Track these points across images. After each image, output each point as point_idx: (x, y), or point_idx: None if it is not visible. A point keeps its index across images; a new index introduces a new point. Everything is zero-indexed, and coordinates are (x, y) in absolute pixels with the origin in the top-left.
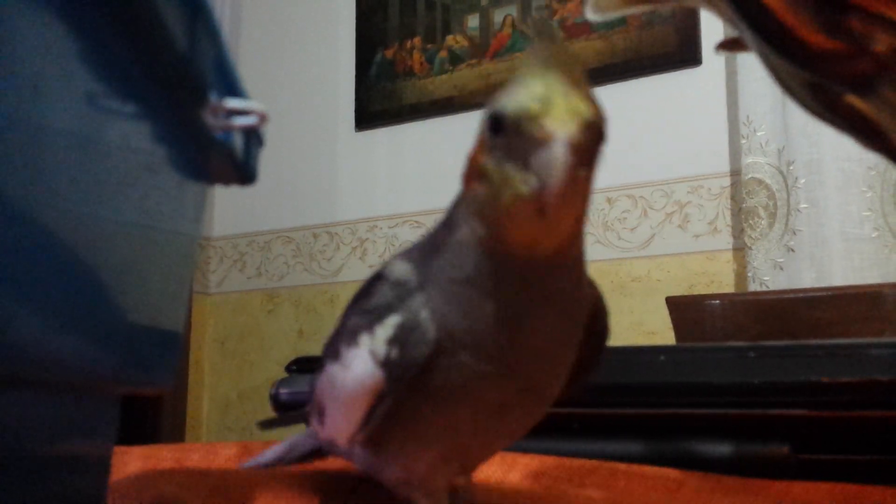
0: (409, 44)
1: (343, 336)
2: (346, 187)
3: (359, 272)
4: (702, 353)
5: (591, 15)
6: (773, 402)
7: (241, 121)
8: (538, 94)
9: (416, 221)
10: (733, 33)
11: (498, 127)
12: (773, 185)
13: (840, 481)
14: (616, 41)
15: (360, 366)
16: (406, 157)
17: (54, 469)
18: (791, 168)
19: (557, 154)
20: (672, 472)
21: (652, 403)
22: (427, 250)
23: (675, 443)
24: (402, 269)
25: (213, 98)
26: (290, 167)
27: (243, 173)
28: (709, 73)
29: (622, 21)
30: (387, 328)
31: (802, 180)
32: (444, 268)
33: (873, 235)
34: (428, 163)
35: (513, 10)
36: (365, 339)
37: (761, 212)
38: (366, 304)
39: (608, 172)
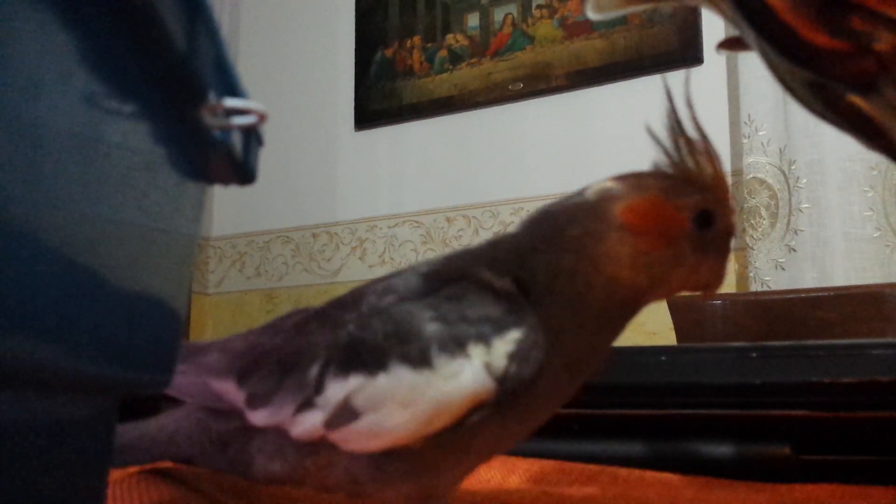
0: (408, 43)
1: (422, 340)
2: (346, 187)
3: (358, 272)
4: (703, 353)
5: (592, 14)
6: (774, 402)
7: (240, 120)
8: (730, 209)
9: (416, 221)
10: (734, 32)
11: (706, 223)
12: (774, 185)
13: (841, 482)
14: (617, 40)
15: (470, 376)
16: (406, 157)
17: (52, 470)
18: (793, 168)
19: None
20: (673, 478)
21: (653, 404)
22: (513, 263)
23: (675, 444)
24: (499, 281)
25: (212, 97)
26: (290, 167)
27: (242, 173)
28: (710, 72)
29: (623, 20)
30: (507, 343)
31: (804, 180)
32: (554, 289)
33: (875, 235)
34: (428, 162)
35: (513, 9)
36: (478, 351)
37: (763, 211)
38: (458, 310)
39: (609, 172)
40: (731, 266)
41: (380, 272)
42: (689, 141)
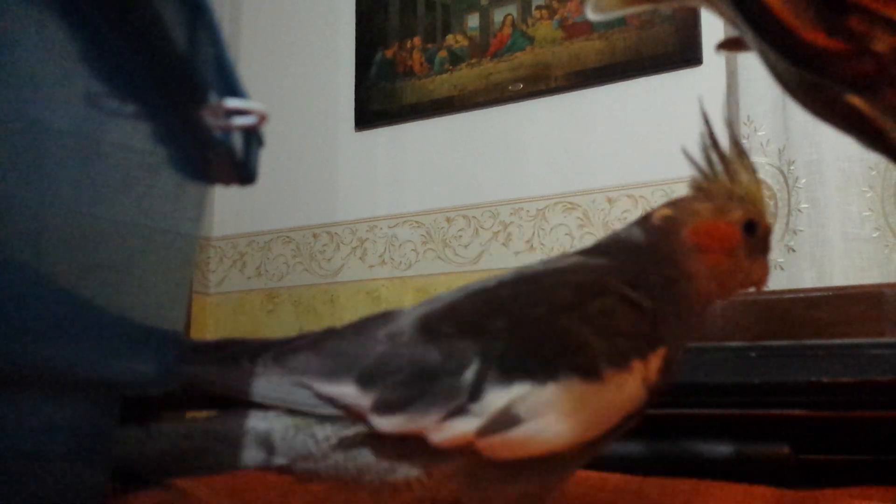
0: (409, 43)
1: (590, 352)
2: (346, 187)
3: (359, 272)
4: (702, 352)
5: (592, 14)
6: (773, 402)
7: (240, 121)
8: (766, 214)
9: (416, 221)
10: (734, 33)
11: (752, 231)
12: (773, 185)
13: (841, 482)
14: (616, 41)
15: (632, 388)
16: (406, 157)
17: (53, 470)
18: (792, 168)
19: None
20: (673, 483)
21: (653, 404)
22: (630, 275)
23: (675, 443)
24: (638, 296)
25: (212, 98)
26: (290, 167)
27: (243, 173)
28: (709, 72)
29: (622, 21)
30: (658, 358)
31: (803, 180)
32: (665, 299)
33: (874, 235)
34: (428, 163)
35: (513, 10)
36: (638, 366)
37: None
38: (615, 325)
39: (609, 172)
40: None
41: (380, 272)
42: (724, 157)
